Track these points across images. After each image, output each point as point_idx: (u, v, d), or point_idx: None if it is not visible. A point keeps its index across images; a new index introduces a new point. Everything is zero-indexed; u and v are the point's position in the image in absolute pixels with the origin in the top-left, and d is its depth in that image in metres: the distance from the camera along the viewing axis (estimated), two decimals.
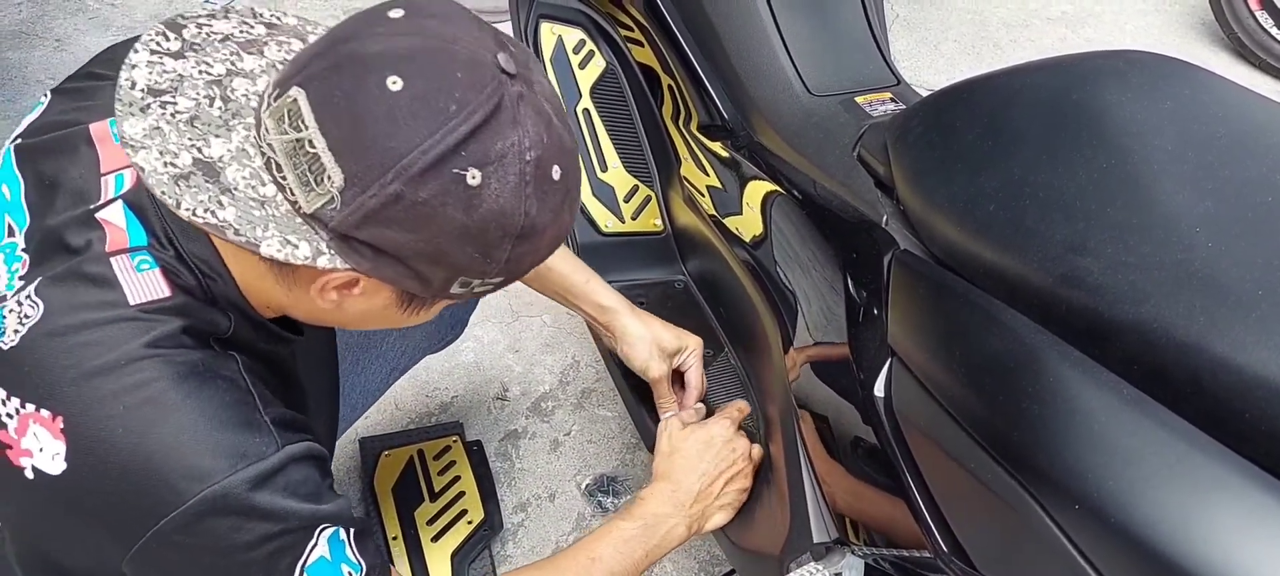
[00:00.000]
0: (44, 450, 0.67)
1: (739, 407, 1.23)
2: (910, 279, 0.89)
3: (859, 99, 1.20)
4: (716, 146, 1.37)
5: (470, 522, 1.50)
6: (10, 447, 0.68)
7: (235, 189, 0.64)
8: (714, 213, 1.39)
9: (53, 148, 0.77)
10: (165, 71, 0.67)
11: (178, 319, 0.70)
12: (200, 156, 0.64)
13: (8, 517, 0.78)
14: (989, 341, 0.75)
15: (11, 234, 0.74)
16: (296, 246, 0.64)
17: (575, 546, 1.05)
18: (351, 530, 0.78)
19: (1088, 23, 3.33)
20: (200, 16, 0.72)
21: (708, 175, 1.41)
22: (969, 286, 0.81)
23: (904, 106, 1.17)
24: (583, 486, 1.63)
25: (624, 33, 1.54)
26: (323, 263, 0.65)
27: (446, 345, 1.43)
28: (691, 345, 1.27)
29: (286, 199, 0.65)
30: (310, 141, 0.62)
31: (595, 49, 1.58)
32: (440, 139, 0.62)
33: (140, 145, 0.63)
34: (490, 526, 1.50)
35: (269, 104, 0.65)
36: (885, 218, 0.97)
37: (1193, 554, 0.58)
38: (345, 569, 0.76)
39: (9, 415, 0.68)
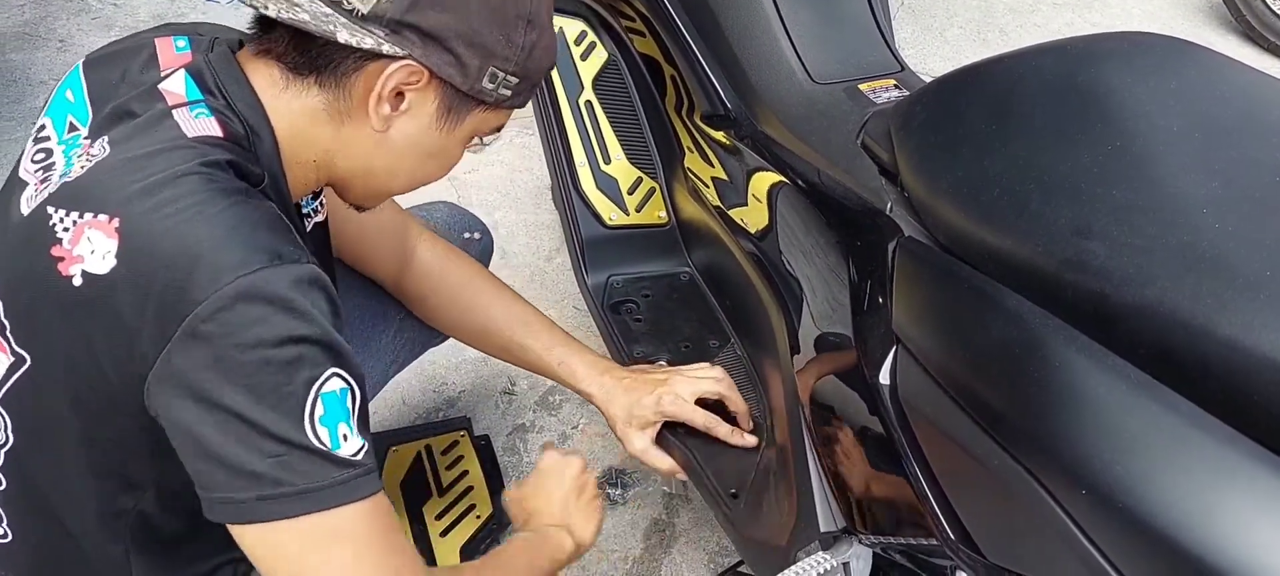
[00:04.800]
0: (95, 252, 0.73)
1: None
2: (915, 266, 0.88)
3: (863, 86, 1.20)
4: (720, 136, 1.37)
5: (479, 517, 1.50)
6: (62, 260, 0.74)
7: (301, 5, 0.77)
8: (718, 204, 1.38)
9: (117, 53, 0.87)
10: None
11: (227, 153, 0.78)
12: None
13: (39, 351, 0.79)
14: (995, 327, 0.75)
15: (74, 130, 0.82)
16: (364, 36, 0.77)
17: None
18: (357, 403, 0.78)
19: (1094, 6, 3.31)
20: None
21: (712, 166, 1.40)
22: (974, 272, 0.80)
23: (908, 93, 1.16)
24: None
25: (625, 23, 1.54)
26: (385, 49, 0.78)
27: (445, 338, 1.42)
28: (671, 397, 1.19)
29: (342, 11, 0.77)
30: None
31: (597, 40, 1.57)
32: None
33: None
34: (499, 521, 1.50)
35: None
36: (889, 205, 0.96)
37: (1201, 538, 0.58)
38: (342, 428, 0.76)
39: (65, 229, 0.74)
